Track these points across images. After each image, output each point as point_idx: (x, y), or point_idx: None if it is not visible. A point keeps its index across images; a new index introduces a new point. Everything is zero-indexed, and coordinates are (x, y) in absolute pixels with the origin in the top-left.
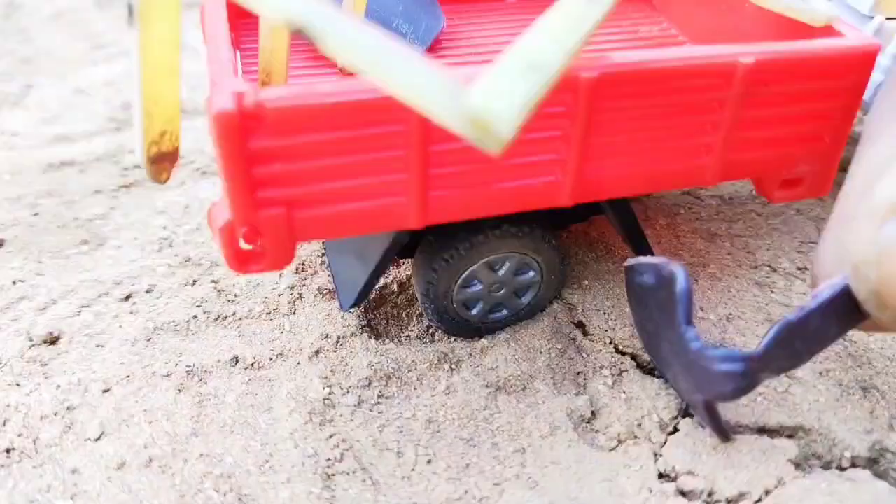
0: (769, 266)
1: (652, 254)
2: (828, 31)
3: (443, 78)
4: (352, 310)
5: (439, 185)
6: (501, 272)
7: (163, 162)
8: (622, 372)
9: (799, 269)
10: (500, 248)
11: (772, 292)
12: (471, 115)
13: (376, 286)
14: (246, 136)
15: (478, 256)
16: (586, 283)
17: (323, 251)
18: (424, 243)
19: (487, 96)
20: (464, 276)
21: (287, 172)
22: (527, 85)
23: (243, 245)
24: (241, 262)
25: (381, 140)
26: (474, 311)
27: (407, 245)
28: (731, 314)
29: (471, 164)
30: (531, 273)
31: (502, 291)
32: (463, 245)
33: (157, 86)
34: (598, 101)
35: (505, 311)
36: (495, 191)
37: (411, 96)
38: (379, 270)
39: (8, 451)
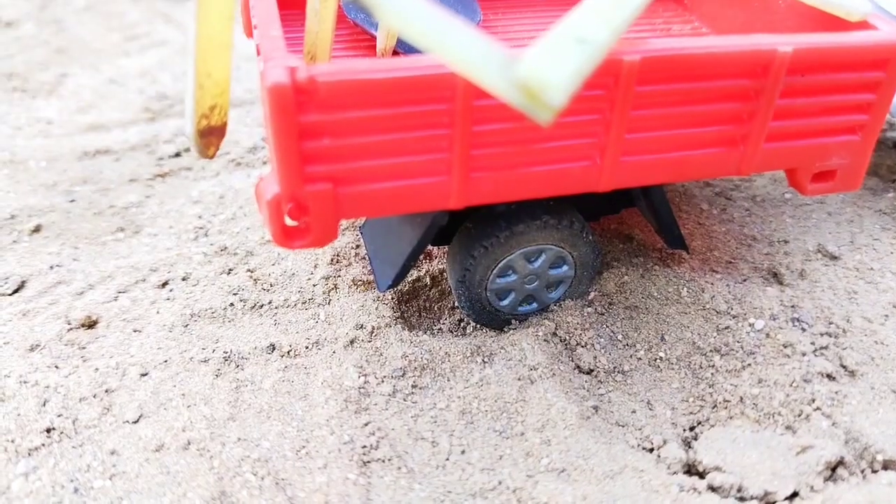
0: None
1: (686, 247)
2: (863, 26)
3: (495, 47)
4: (388, 290)
5: (480, 166)
6: (537, 264)
7: (211, 136)
8: (651, 364)
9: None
10: (539, 239)
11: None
12: (522, 83)
13: (410, 274)
14: (298, 110)
15: (516, 246)
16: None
17: (357, 244)
18: (463, 230)
19: (538, 65)
20: (500, 265)
21: (335, 148)
22: (577, 56)
23: (288, 221)
24: (287, 237)
25: (426, 118)
26: (505, 302)
27: (443, 232)
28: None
29: (511, 145)
30: (565, 268)
31: (535, 284)
32: (503, 233)
33: (210, 59)
34: (639, 86)
35: (535, 304)
36: (534, 174)
37: (464, 65)
38: (417, 252)
39: (48, 430)
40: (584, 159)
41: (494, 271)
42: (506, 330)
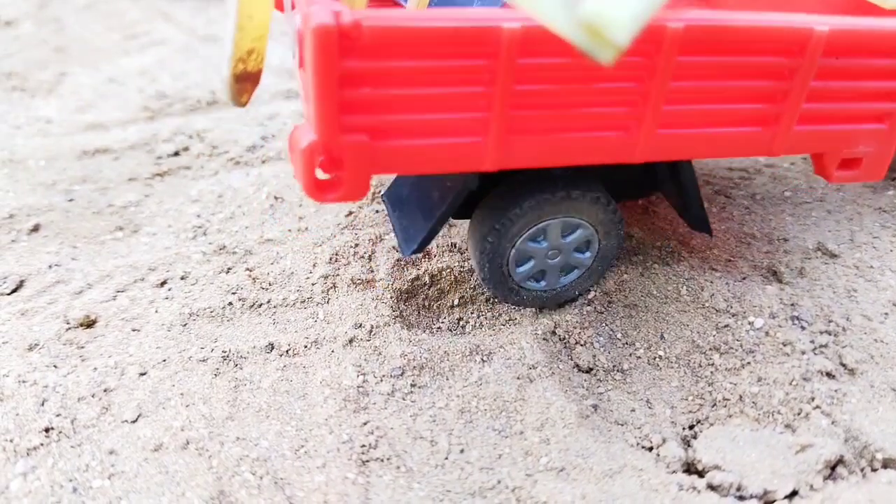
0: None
1: (709, 229)
2: None
3: None
4: (413, 255)
5: (518, 129)
6: (568, 239)
7: (246, 82)
8: (651, 362)
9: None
10: (584, 213)
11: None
12: (586, 21)
13: (409, 273)
14: (340, 55)
15: (561, 213)
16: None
17: (356, 243)
18: (488, 200)
19: (603, 4)
20: (538, 226)
21: (374, 98)
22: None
23: (320, 174)
24: (319, 189)
25: (468, 73)
26: (522, 269)
27: (464, 204)
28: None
29: (551, 108)
30: (587, 254)
31: (555, 260)
32: (529, 203)
33: (252, 0)
34: (680, 55)
35: (543, 283)
36: (570, 140)
37: (528, 3)
38: (445, 217)
39: (47, 430)
40: (620, 129)
41: (529, 232)
42: (505, 328)
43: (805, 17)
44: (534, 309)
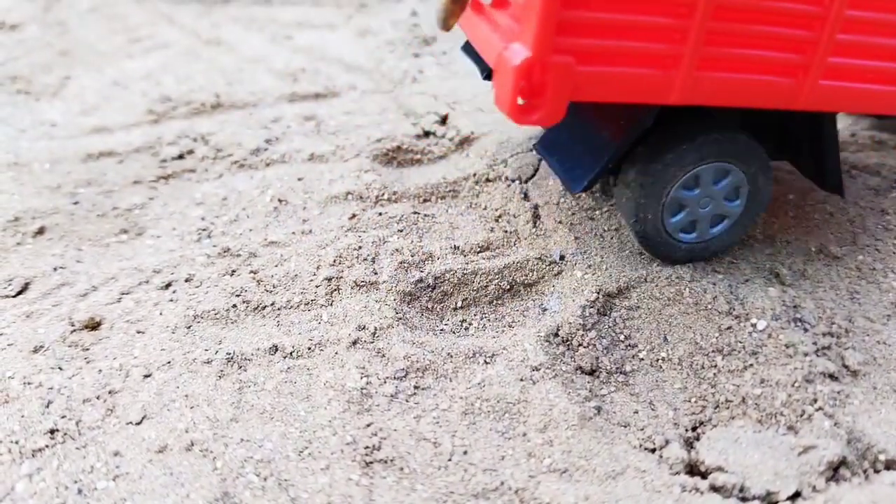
0: None
1: (843, 192)
2: None
3: None
4: (582, 193)
5: (705, 65)
6: (719, 185)
7: (456, 6)
8: (654, 364)
9: None
10: (720, 156)
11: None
12: None
13: (412, 276)
14: None
15: (697, 161)
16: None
17: (359, 246)
18: (643, 148)
19: None
20: (679, 182)
21: (588, 21)
22: None
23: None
24: (520, 111)
25: (672, 5)
26: (675, 219)
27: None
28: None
29: (736, 47)
30: (737, 202)
31: (707, 209)
32: (685, 146)
33: None
34: (849, 10)
35: (694, 235)
36: (748, 82)
37: None
38: (618, 153)
39: (52, 432)
40: (790, 75)
41: (683, 179)
42: (508, 330)
43: None
44: (536, 311)
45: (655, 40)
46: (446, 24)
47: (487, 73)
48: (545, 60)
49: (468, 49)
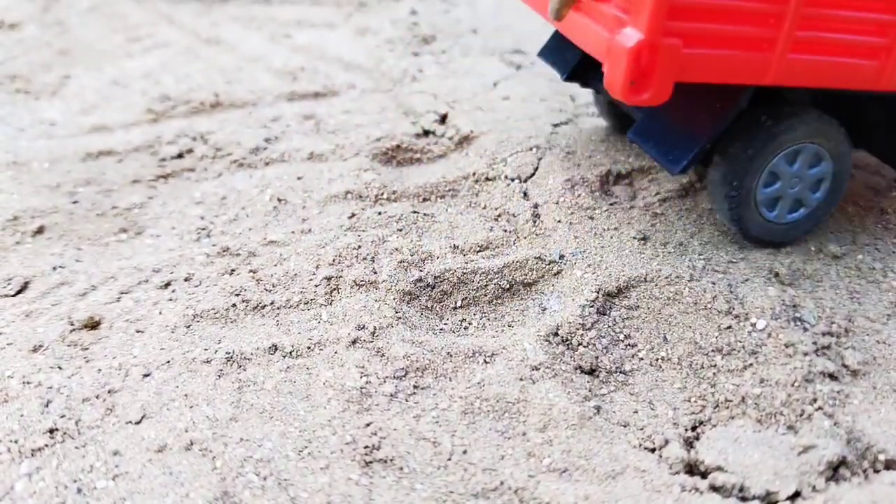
0: None
1: None
2: None
3: None
4: (682, 173)
5: (795, 49)
6: (806, 169)
7: None
8: (653, 364)
9: None
10: (815, 136)
11: None
12: None
13: (412, 275)
14: None
15: (797, 139)
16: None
17: (359, 245)
18: (736, 129)
19: None
20: (781, 154)
21: (695, 6)
22: None
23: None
24: (631, 91)
25: None
26: (767, 191)
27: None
28: None
29: (830, 32)
30: (818, 194)
31: (794, 190)
32: (786, 124)
33: None
34: None
35: (774, 214)
36: (833, 64)
37: None
38: (715, 133)
39: (51, 431)
40: (874, 57)
41: (786, 151)
42: (507, 330)
43: None
44: (536, 310)
45: (753, 24)
46: (560, 15)
47: (568, 75)
48: (657, 43)
49: (547, 53)
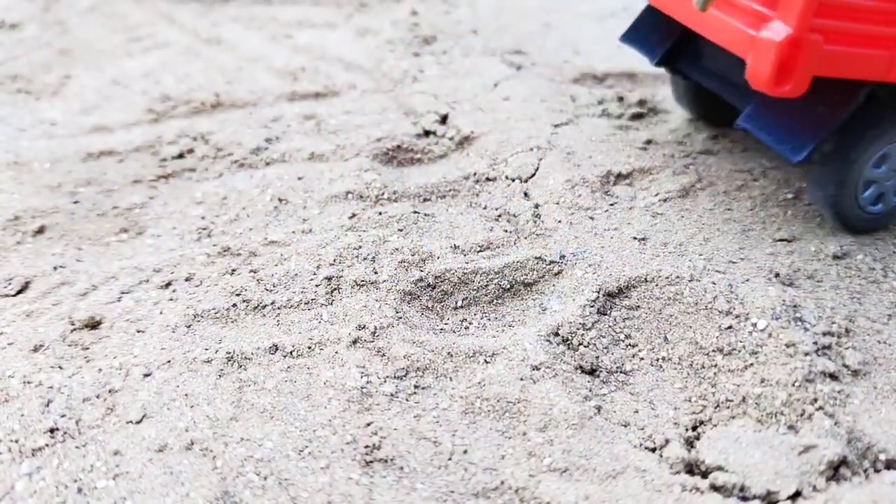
0: None
1: None
2: None
3: None
4: (804, 163)
5: None
6: None
7: None
8: (654, 364)
9: None
10: None
11: None
12: None
13: (412, 275)
14: None
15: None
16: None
17: (359, 245)
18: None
19: None
20: (880, 154)
21: (837, 5)
22: None
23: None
24: (776, 83)
25: None
26: (877, 170)
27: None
28: None
29: None
30: None
31: (891, 182)
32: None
33: None
34: None
35: (880, 206)
36: None
37: None
38: (835, 126)
39: (52, 431)
40: None
41: (874, 160)
42: (508, 330)
43: None
44: (536, 310)
45: (885, 24)
46: (705, 5)
47: (659, 61)
48: (803, 38)
49: (633, 38)
